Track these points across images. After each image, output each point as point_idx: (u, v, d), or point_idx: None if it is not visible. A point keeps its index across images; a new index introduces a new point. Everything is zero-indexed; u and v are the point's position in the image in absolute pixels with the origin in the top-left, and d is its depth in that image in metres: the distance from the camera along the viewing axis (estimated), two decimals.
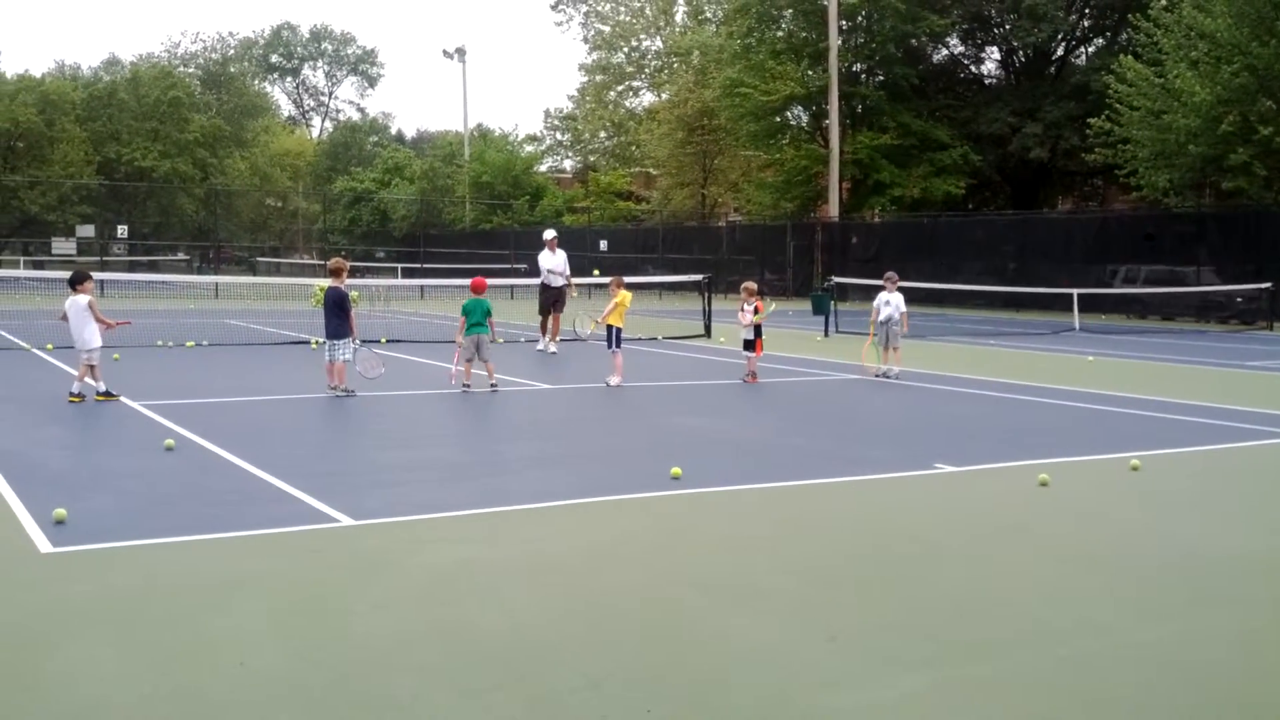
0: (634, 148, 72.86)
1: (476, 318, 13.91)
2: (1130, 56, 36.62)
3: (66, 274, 13.23)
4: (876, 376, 16.06)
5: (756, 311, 15.42)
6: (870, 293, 37.41)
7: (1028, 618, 5.52)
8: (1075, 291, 30.22)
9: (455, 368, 13.97)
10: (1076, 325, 28.48)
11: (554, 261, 20.51)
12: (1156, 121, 34.71)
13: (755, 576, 6.18)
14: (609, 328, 15.13)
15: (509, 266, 44.84)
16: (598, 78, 77.00)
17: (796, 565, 6.45)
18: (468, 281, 15.12)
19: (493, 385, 13.72)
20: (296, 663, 4.78)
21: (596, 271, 31.92)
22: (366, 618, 5.35)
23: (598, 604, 5.66)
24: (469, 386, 13.70)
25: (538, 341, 20.13)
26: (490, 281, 15.83)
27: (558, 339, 19.87)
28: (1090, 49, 51.80)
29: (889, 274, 17.04)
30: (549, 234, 21.28)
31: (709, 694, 4.55)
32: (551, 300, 20.12)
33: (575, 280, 21.13)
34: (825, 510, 7.93)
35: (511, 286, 37.17)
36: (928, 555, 6.69)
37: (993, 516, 7.73)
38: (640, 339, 21.57)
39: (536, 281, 21.12)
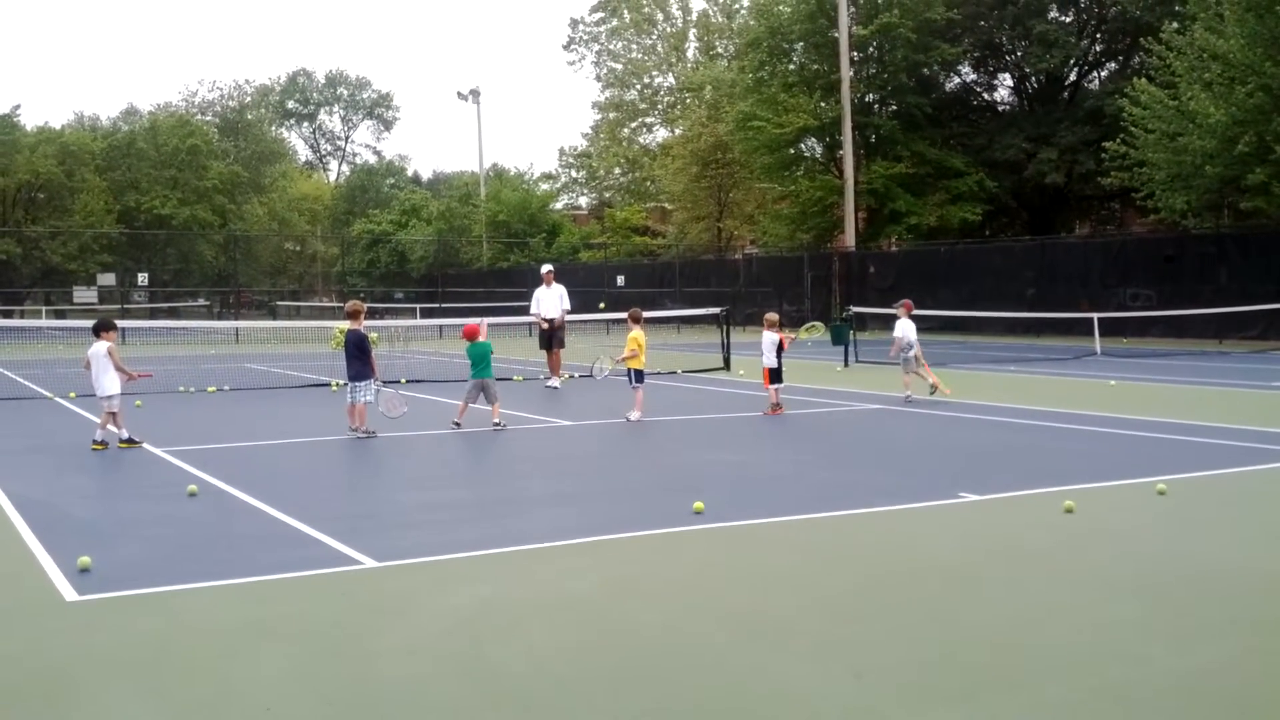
0: (649, 183, 73.20)
1: (480, 363, 13.94)
2: (1144, 79, 36.58)
3: (88, 323, 13.33)
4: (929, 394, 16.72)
5: (781, 347, 15.44)
6: (889, 322, 37.50)
7: (1059, 647, 5.45)
8: (1095, 316, 30.08)
9: (498, 412, 13.95)
10: (1098, 349, 28.33)
11: (550, 295, 20.62)
12: (1172, 144, 34.61)
13: (780, 611, 6.13)
14: (630, 369, 15.10)
15: (526, 304, 45.01)
16: (611, 115, 77.52)
17: (822, 599, 6.40)
18: (486, 322, 15.15)
19: (496, 424, 13.71)
20: (323, 707, 4.76)
21: (602, 305, 31.87)
22: (392, 660, 5.32)
23: (622, 642, 5.62)
24: (460, 425, 13.68)
25: (549, 378, 20.19)
26: (507, 320, 15.83)
27: (560, 375, 19.91)
28: (1103, 73, 51.78)
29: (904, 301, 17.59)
30: (545, 268, 21.44)
31: None
32: (547, 336, 20.25)
33: (582, 317, 21.28)
34: (849, 542, 7.87)
35: (529, 324, 37.26)
36: (955, 586, 6.63)
37: (1019, 545, 7.66)
38: (659, 373, 21.55)
39: (530, 319, 21.33)
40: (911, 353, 16.87)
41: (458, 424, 13.71)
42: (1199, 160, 33.50)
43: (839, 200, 48.28)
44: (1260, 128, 32.02)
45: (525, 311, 22.66)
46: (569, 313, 21.20)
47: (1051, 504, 8.74)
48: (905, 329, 17.01)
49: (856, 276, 46.85)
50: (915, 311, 17.61)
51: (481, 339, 14.14)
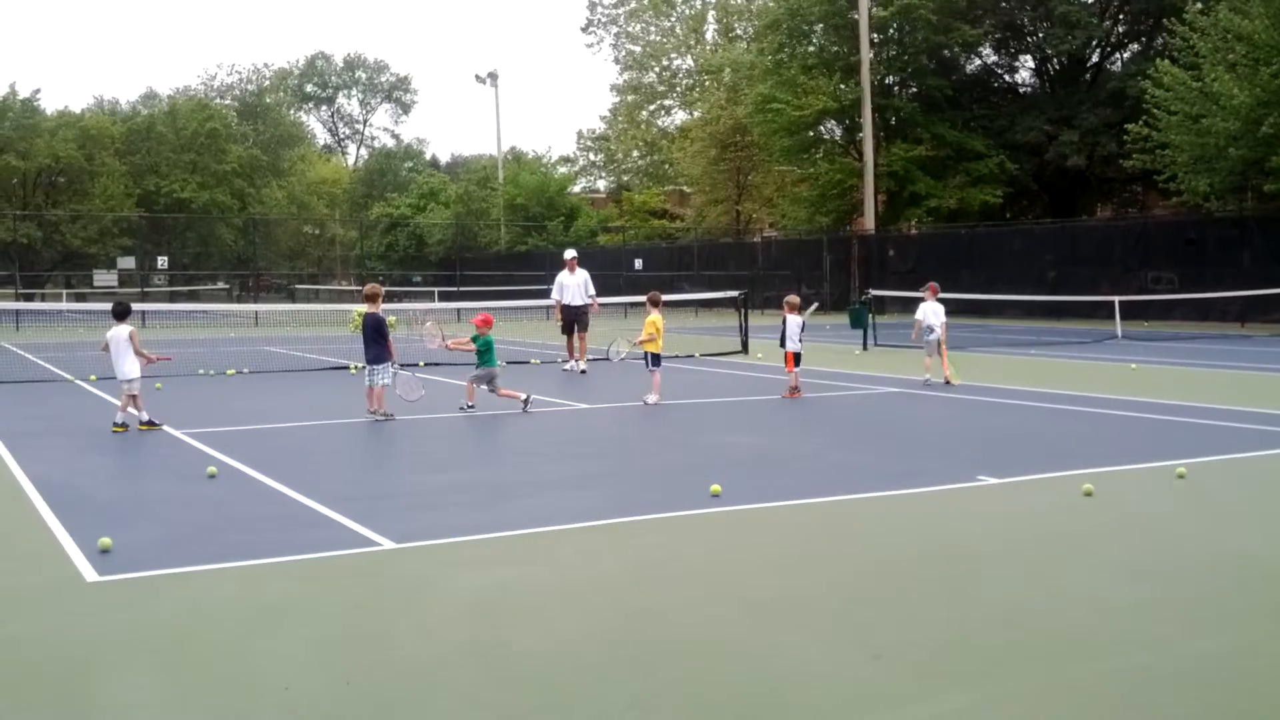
0: (667, 166, 73.06)
1: (490, 352, 14.02)
2: (1166, 61, 36.26)
3: (108, 306, 13.39)
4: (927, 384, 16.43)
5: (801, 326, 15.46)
6: (909, 305, 37.23)
7: (1076, 630, 5.43)
8: (1116, 299, 29.91)
9: (512, 393, 13.97)
10: (1119, 333, 28.19)
11: (573, 281, 20.60)
12: (1195, 125, 34.32)
13: (798, 593, 6.13)
14: (648, 352, 15.11)
15: (545, 288, 45.04)
16: (629, 98, 77.31)
17: (839, 581, 6.39)
18: (504, 305, 15.17)
19: (525, 400, 13.78)
20: (341, 688, 4.78)
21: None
22: (409, 641, 5.34)
23: (640, 624, 5.63)
24: (473, 406, 13.72)
25: (565, 362, 20.20)
26: (527, 303, 15.84)
27: (585, 358, 19.88)
28: (1125, 54, 51.37)
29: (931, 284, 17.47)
30: (569, 254, 21.39)
31: (755, 713, 4.50)
32: (571, 320, 20.21)
33: (602, 300, 21.25)
34: (868, 525, 7.86)
35: (547, 308, 37.29)
36: (972, 569, 6.61)
37: (1037, 528, 7.63)
38: (677, 356, 21.54)
39: (550, 302, 21.30)
40: (932, 336, 16.74)
41: (472, 405, 13.73)
42: (1222, 142, 33.23)
43: (858, 183, 48.09)
44: None
45: (543, 295, 22.64)
46: (594, 298, 21.09)
47: (1070, 487, 8.70)
48: (925, 311, 16.90)
49: (876, 260, 46.72)
50: (919, 294, 17.52)
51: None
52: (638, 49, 77.91)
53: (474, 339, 14.12)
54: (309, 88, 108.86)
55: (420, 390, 13.58)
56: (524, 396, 13.85)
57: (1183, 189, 36.75)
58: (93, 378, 17.57)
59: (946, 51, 49.77)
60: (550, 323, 30.22)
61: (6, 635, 5.51)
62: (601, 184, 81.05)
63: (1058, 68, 51.92)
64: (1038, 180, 50.34)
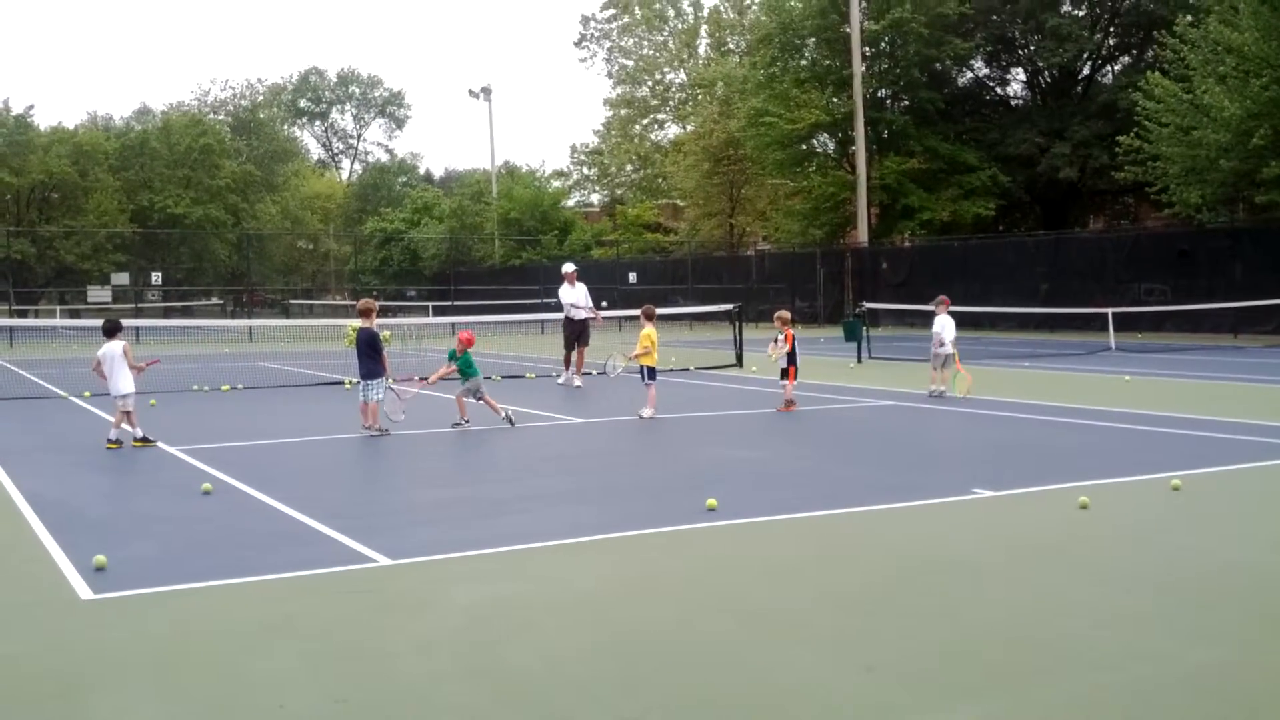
0: (660, 180, 73.17)
1: (472, 366, 14.04)
2: (1157, 73, 36.40)
3: (102, 322, 13.37)
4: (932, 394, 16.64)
5: (788, 341, 15.43)
6: (902, 318, 37.27)
7: (1073, 643, 5.42)
8: (1109, 311, 29.96)
9: (495, 406, 13.99)
10: (1112, 345, 28.23)
11: (574, 295, 20.55)
12: (1186, 137, 34.44)
13: (793, 607, 6.12)
14: (643, 366, 15.12)
15: (538, 301, 45.08)
16: (623, 112, 77.52)
17: (835, 595, 6.39)
18: (499, 319, 15.17)
19: (508, 416, 13.76)
20: (336, 705, 4.77)
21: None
22: (404, 658, 5.33)
23: (635, 639, 5.62)
24: (469, 422, 13.72)
25: (560, 375, 20.16)
26: (522, 318, 15.82)
27: (582, 372, 19.84)
28: (1116, 67, 51.57)
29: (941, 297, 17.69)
30: (568, 268, 21.30)
31: None
32: (576, 334, 20.16)
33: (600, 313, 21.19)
34: (863, 539, 7.85)
35: (542, 322, 37.29)
36: (968, 582, 6.61)
37: (1033, 541, 7.63)
38: (672, 370, 21.53)
39: (560, 316, 21.22)
40: (943, 349, 16.77)
41: (466, 421, 13.72)
42: (1213, 154, 33.33)
43: (851, 196, 48.18)
44: (1275, 121, 31.84)
45: (537, 309, 22.61)
46: (593, 310, 21.03)
47: (1066, 500, 8.70)
48: (942, 325, 16.92)
49: (869, 272, 46.75)
50: (928, 307, 17.53)
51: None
52: (630, 63, 78.18)
53: (450, 356, 14.16)
54: (302, 103, 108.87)
55: (400, 414, 13.57)
56: (504, 414, 13.80)
57: (1174, 201, 36.85)
58: (87, 394, 17.53)
59: (938, 65, 49.92)
60: (545, 337, 30.23)
61: (1, 654, 5.49)
62: (595, 198, 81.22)
63: (1049, 80, 52.11)
64: (1030, 192, 50.46)
